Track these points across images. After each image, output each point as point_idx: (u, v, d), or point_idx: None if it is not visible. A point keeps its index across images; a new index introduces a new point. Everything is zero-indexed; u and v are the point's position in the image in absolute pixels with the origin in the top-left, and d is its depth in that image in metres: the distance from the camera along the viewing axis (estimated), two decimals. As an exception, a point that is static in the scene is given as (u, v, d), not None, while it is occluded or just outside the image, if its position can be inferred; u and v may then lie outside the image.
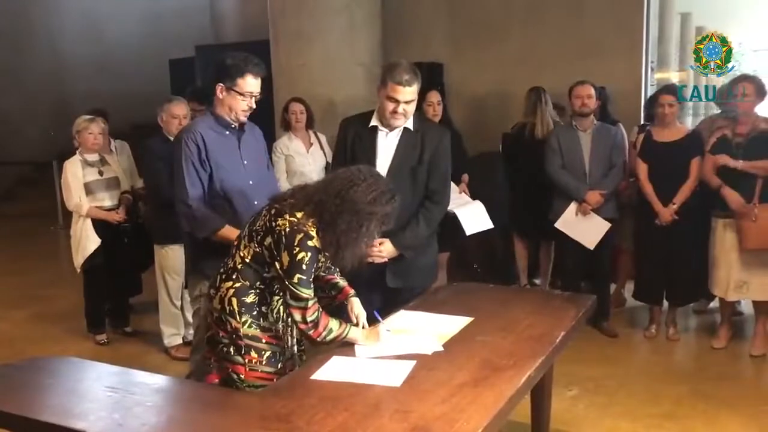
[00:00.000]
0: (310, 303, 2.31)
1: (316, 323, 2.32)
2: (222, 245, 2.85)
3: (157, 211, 4.48)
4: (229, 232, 2.85)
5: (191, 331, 4.62)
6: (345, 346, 2.39)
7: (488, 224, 4.51)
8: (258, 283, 2.42)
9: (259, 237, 2.38)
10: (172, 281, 4.45)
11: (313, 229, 2.30)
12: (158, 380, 2.28)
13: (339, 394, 2.04)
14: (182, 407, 2.14)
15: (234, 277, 2.42)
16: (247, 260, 2.41)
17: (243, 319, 2.39)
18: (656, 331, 4.65)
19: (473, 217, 4.46)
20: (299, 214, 2.31)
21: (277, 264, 2.32)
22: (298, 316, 2.32)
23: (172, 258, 4.40)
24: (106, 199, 4.60)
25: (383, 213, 2.32)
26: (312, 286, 2.34)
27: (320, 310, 2.35)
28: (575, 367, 3.86)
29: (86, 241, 4.54)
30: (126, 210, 4.65)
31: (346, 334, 2.37)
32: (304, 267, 2.27)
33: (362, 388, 2.08)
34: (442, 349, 2.37)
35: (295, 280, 2.28)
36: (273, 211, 2.37)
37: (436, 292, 3.24)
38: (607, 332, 4.67)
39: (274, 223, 2.32)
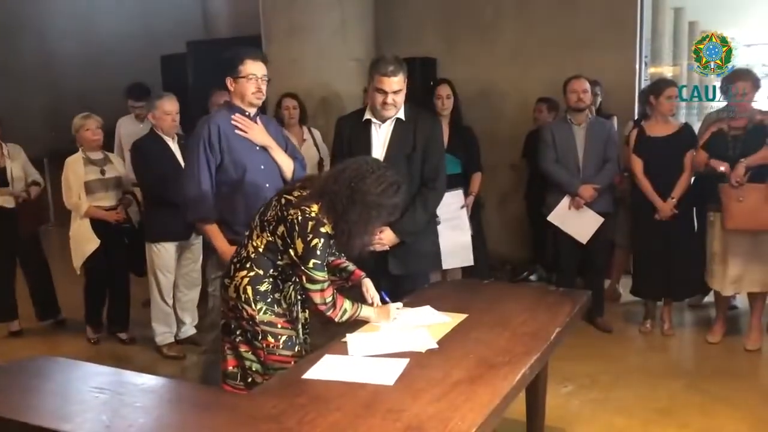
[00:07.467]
0: (326, 285, 2.44)
1: (333, 304, 2.45)
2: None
3: (148, 208, 4.44)
4: (213, 231, 3.06)
5: (183, 329, 4.59)
6: (336, 345, 2.37)
7: (469, 261, 4.43)
8: (272, 270, 2.51)
9: (271, 227, 2.47)
10: (164, 279, 4.40)
11: (324, 216, 2.40)
12: (146, 380, 2.24)
13: (331, 394, 2.01)
14: (171, 408, 2.10)
15: (248, 266, 2.51)
16: (261, 249, 2.50)
17: (258, 307, 2.49)
18: (651, 326, 4.64)
19: (455, 251, 4.27)
20: (315, 207, 2.39)
21: (291, 251, 2.42)
22: (317, 299, 2.43)
23: (163, 256, 4.35)
24: (105, 199, 4.49)
25: (392, 204, 2.43)
26: (325, 269, 2.46)
27: (335, 291, 2.47)
28: (570, 363, 3.84)
29: (85, 242, 4.44)
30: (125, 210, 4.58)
31: (359, 312, 2.51)
32: (318, 252, 2.39)
33: (354, 387, 2.04)
34: (436, 346, 2.34)
35: (311, 264, 2.39)
36: (283, 201, 2.47)
37: (430, 288, 3.22)
38: (602, 328, 4.66)
39: (285, 213, 2.43)
